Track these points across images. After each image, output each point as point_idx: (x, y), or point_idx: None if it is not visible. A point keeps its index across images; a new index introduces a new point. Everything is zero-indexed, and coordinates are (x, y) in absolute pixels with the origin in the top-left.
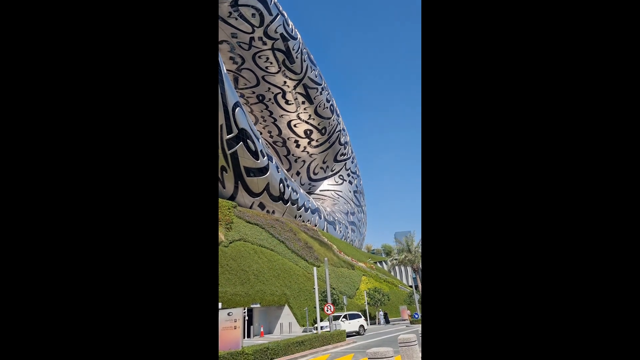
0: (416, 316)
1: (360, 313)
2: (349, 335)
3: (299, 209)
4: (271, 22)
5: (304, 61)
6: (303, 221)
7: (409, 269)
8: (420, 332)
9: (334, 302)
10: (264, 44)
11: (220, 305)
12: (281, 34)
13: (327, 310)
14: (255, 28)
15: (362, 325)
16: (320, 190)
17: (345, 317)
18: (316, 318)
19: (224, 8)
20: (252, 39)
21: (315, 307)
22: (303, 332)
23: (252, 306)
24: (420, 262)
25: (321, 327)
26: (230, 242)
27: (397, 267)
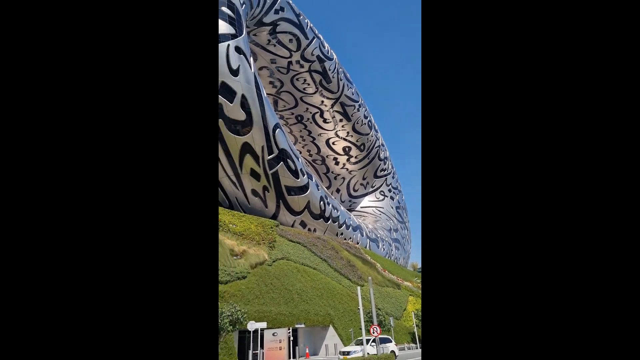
0: None
1: (390, 337)
2: None
3: (340, 226)
4: (307, 45)
5: (340, 80)
6: (345, 239)
7: None
8: None
9: (380, 324)
10: (301, 66)
11: (265, 324)
12: (317, 56)
13: (373, 332)
14: (292, 52)
15: (393, 351)
16: (362, 207)
17: (374, 341)
18: (362, 339)
19: (263, 37)
20: (290, 63)
21: (360, 329)
22: None
23: (296, 326)
24: None
25: (347, 353)
26: (274, 261)
27: None
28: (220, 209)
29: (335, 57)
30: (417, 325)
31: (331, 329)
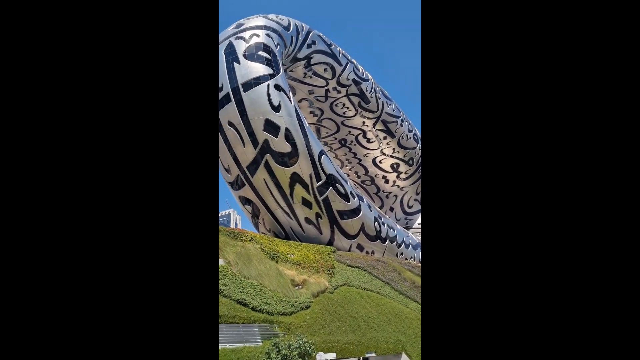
0: None
1: None
2: None
3: (398, 246)
4: (342, 71)
5: (379, 99)
6: (405, 258)
7: None
8: None
9: None
10: (339, 92)
11: (334, 355)
12: (353, 79)
13: None
14: (328, 81)
15: None
16: (419, 224)
17: None
18: None
19: (299, 71)
20: (327, 90)
21: None
22: None
23: (367, 355)
24: None
25: None
26: (335, 288)
27: None
28: (277, 240)
29: (370, 77)
30: None
31: (404, 357)
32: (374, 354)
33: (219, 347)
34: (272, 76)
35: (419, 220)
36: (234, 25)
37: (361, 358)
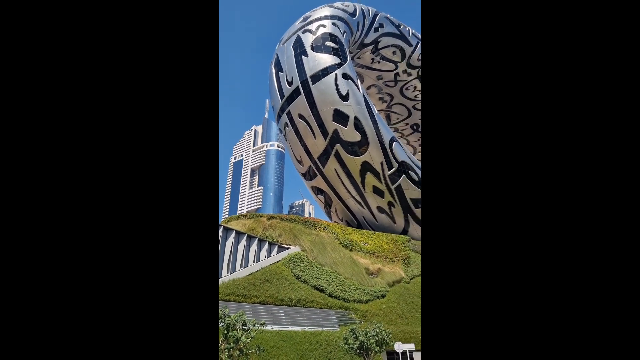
0: None
1: None
2: None
3: None
4: (412, 52)
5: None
6: None
7: None
8: None
9: None
10: (409, 75)
11: (413, 346)
12: None
13: None
14: (397, 64)
15: None
16: None
17: None
18: None
19: (367, 57)
20: (396, 74)
21: None
22: None
23: None
24: None
25: None
26: (412, 278)
27: None
28: (350, 229)
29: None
30: None
31: None
32: None
33: (299, 330)
34: (339, 65)
35: None
36: (301, 18)
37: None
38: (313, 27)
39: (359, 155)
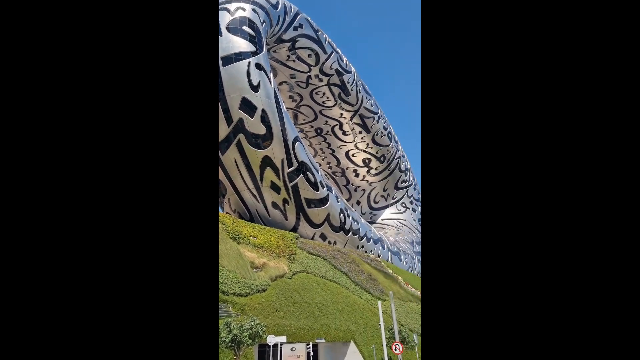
0: None
1: None
2: None
3: (360, 239)
4: (326, 59)
5: (359, 92)
6: (365, 252)
7: None
8: None
9: (403, 340)
10: (320, 80)
11: (284, 338)
12: (336, 70)
13: (396, 350)
14: (311, 67)
15: None
16: (383, 220)
17: None
18: (384, 357)
19: (283, 53)
20: (309, 77)
21: (382, 345)
22: None
23: (317, 341)
24: None
25: None
26: (294, 274)
27: None
28: (241, 221)
29: (353, 70)
30: None
31: (352, 345)
32: (323, 340)
33: None
34: (254, 54)
35: (383, 215)
36: None
37: (310, 343)
38: (232, 7)
39: (262, 149)
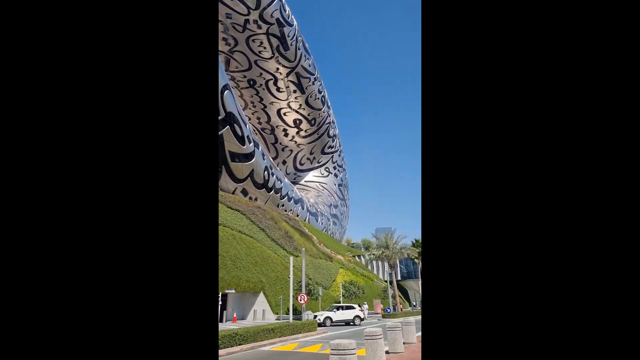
0: (388, 310)
1: (356, 305)
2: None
3: (282, 197)
4: (268, 5)
5: (299, 49)
6: (285, 210)
7: (386, 264)
8: (387, 326)
9: (309, 293)
10: (259, 27)
11: None
12: (277, 19)
13: (301, 300)
14: (251, 10)
15: (357, 316)
16: (305, 181)
17: (340, 307)
18: (289, 307)
19: None
20: (247, 21)
21: (289, 296)
22: (276, 320)
23: (226, 291)
24: (397, 258)
25: (315, 316)
26: None
27: (374, 262)
28: None
29: (295, 23)
30: (343, 295)
31: (261, 296)
32: (233, 291)
33: None
34: None
35: (307, 177)
36: None
37: (220, 293)
38: None
39: None
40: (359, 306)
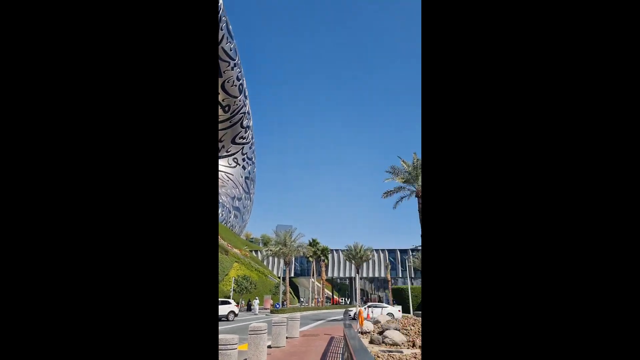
0: (277, 306)
1: (231, 300)
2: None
3: None
4: None
5: (221, 30)
6: None
7: (282, 261)
8: (273, 321)
9: None
10: None
11: None
12: None
13: None
14: None
15: (232, 311)
16: None
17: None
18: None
19: None
20: None
21: None
22: None
23: None
24: (293, 256)
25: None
26: None
27: (271, 258)
28: None
29: (222, 3)
30: (234, 290)
31: None
32: None
33: None
34: None
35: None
36: None
37: None
38: None
39: None
40: (246, 302)
